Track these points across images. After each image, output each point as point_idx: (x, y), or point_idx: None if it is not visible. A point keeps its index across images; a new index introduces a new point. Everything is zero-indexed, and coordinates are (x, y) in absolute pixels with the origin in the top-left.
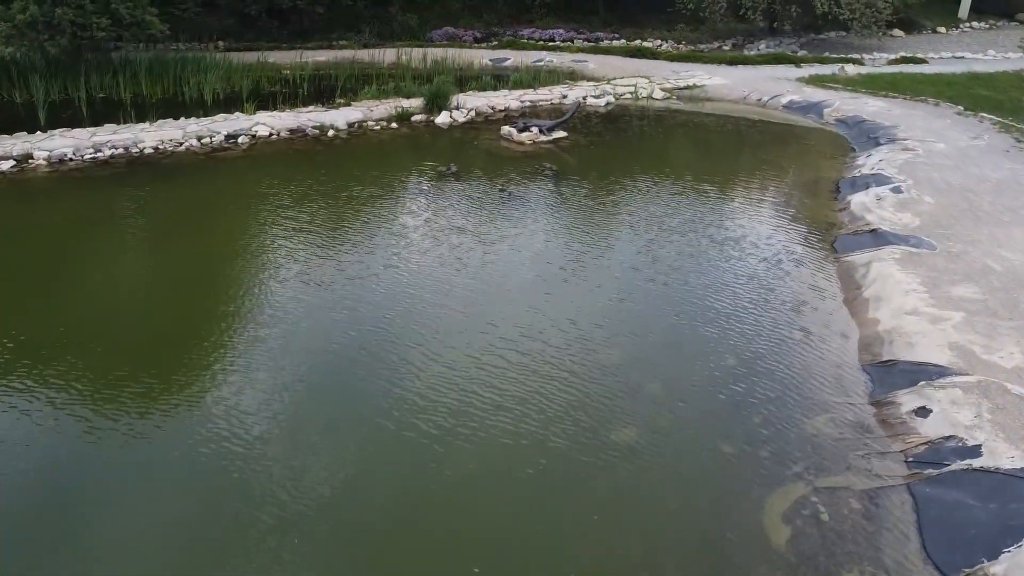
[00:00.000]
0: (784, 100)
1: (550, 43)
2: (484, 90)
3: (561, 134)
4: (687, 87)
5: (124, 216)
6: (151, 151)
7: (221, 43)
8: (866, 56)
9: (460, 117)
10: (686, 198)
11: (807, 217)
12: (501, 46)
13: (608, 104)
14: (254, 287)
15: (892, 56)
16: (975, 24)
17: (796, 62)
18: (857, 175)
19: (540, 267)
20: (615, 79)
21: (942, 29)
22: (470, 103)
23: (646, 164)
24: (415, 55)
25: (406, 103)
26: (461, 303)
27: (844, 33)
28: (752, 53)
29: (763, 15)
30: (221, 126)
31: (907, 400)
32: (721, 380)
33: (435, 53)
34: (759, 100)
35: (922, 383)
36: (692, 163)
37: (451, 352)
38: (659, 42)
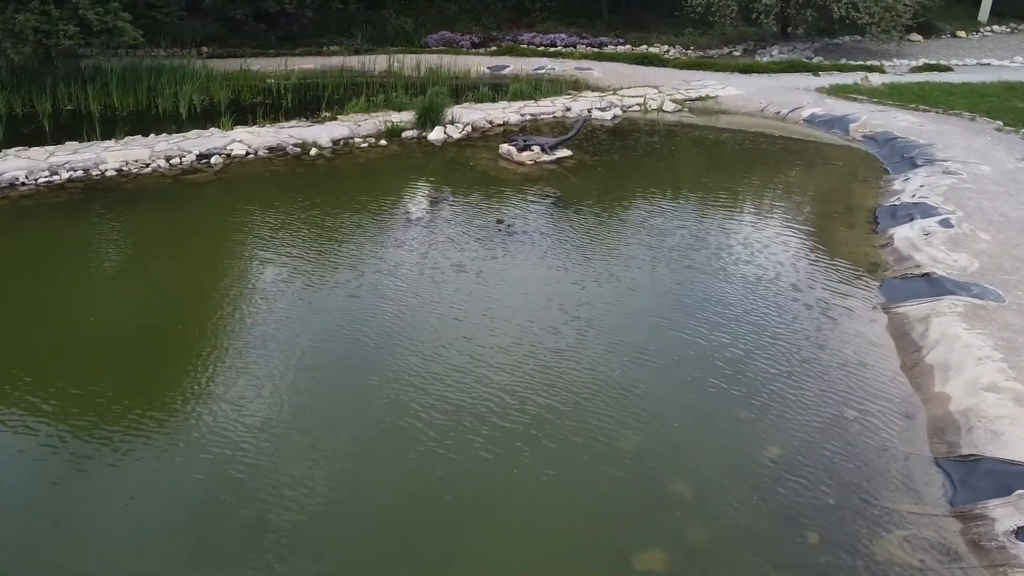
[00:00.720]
0: (805, 113)
1: (551, 48)
2: (481, 102)
3: (565, 153)
4: (699, 98)
5: (63, 256)
6: (113, 173)
7: (205, 49)
8: (885, 63)
9: (455, 133)
10: (707, 230)
11: (845, 254)
12: (500, 52)
13: (615, 118)
14: (201, 363)
15: (914, 63)
16: (995, 28)
17: (813, 70)
18: (897, 203)
19: (545, 320)
20: (622, 89)
21: (962, 33)
22: (466, 117)
23: (660, 189)
24: (408, 62)
25: (397, 117)
26: (447, 370)
27: (859, 38)
28: (765, 60)
29: (776, 19)
30: (193, 144)
31: (1002, 515)
32: (764, 480)
33: (429, 60)
34: (778, 113)
35: (1019, 492)
36: (710, 188)
37: (429, 446)
38: (666, 48)
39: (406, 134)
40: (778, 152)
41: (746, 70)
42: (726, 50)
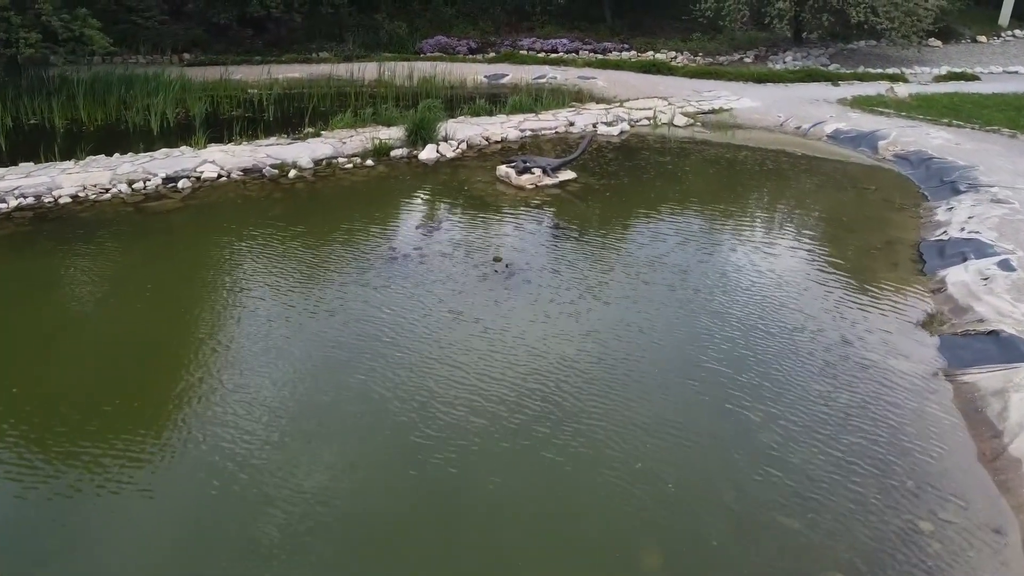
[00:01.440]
0: (828, 128)
1: (552, 55)
2: (478, 115)
3: (569, 175)
4: (712, 111)
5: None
6: (68, 200)
7: (187, 55)
8: (906, 71)
9: (449, 151)
10: (732, 268)
11: (891, 302)
12: (498, 59)
13: (622, 133)
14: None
15: (937, 71)
16: (1017, 32)
17: (832, 79)
18: (944, 238)
19: (553, 385)
20: (629, 101)
21: (982, 38)
22: (461, 133)
23: (676, 219)
24: (400, 71)
25: (385, 133)
26: (440, 458)
27: (875, 43)
28: (778, 67)
29: (789, 24)
30: (160, 165)
31: None
32: None
33: (423, 68)
34: (798, 128)
35: None
36: (731, 216)
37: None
38: (674, 54)
39: (395, 153)
40: (802, 174)
41: (760, 79)
42: (737, 56)
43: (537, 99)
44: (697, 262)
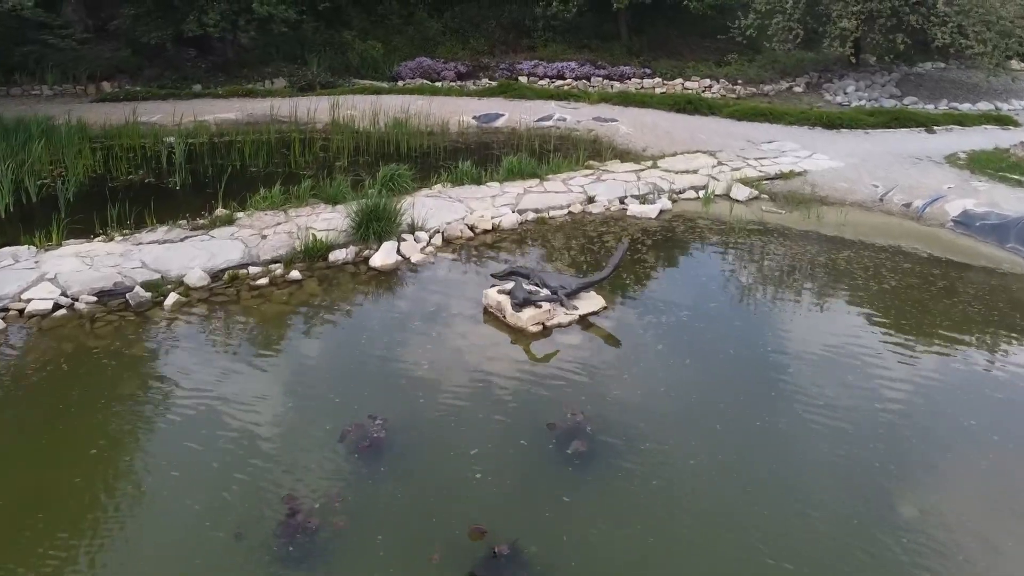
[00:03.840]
0: (952, 208)
1: (558, 80)
2: (461, 183)
3: (594, 306)
4: (780, 175)
5: None
6: None
7: (107, 85)
8: (1003, 105)
9: (415, 251)
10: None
11: None
12: (492, 92)
13: (663, 213)
14: None
15: None
16: None
17: (923, 122)
18: None
19: None
20: (664, 158)
21: None
22: (435, 216)
23: (777, 404)
24: (363, 107)
25: (327, 218)
26: None
27: (943, 65)
28: (839, 99)
29: (853, 46)
30: None
31: None
32: None
33: (392, 104)
34: (908, 206)
35: None
36: (859, 400)
37: None
38: (708, 82)
39: (335, 256)
40: (950, 302)
41: (831, 123)
42: (785, 85)
43: (542, 156)
44: (847, 513)
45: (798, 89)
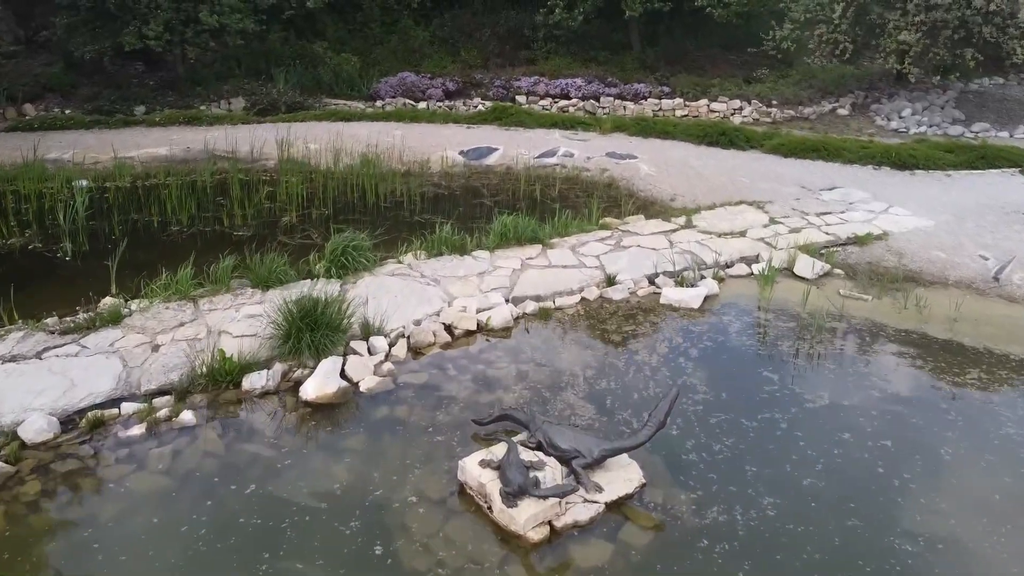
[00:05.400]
0: None
1: (562, 100)
2: (439, 253)
3: (627, 483)
4: (852, 239)
5: None
6: None
7: (29, 107)
8: None
9: (366, 370)
10: None
11: None
12: (484, 119)
13: (708, 300)
14: None
15: None
16: None
17: (1020, 162)
18: None
19: None
20: (699, 211)
21: None
22: (398, 313)
23: None
24: (321, 138)
25: (251, 313)
26: None
27: (1002, 81)
28: (895, 126)
29: (915, 63)
30: None
31: None
32: None
33: (363, 135)
34: None
35: None
36: None
37: None
38: (737, 103)
39: (252, 382)
40: None
41: (900, 161)
42: (827, 106)
43: (544, 208)
44: None
45: (843, 111)
